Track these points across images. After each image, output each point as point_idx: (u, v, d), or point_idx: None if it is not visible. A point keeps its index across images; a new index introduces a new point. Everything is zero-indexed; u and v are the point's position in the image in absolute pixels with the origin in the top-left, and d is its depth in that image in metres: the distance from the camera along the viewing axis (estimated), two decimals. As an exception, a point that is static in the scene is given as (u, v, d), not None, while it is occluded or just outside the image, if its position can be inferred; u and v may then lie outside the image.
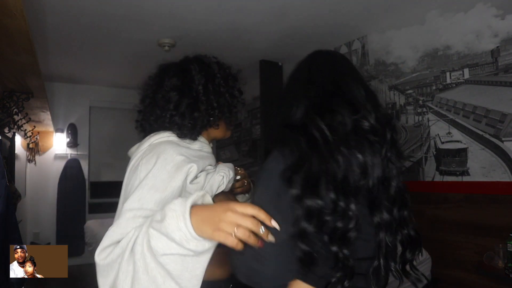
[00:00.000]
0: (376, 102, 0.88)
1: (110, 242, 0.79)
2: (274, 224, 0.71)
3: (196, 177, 0.94)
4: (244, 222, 0.70)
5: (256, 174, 0.89)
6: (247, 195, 1.24)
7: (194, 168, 0.92)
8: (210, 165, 1.00)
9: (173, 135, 1.00)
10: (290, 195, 0.74)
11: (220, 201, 0.89)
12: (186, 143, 1.01)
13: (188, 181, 0.91)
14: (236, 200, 1.12)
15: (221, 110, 1.03)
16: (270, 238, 0.72)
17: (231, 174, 1.03)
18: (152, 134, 1.02)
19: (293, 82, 0.96)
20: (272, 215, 0.72)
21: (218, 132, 1.09)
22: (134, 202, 0.84)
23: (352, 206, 0.75)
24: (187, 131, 1.00)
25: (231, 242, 0.69)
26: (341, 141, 0.77)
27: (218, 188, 0.99)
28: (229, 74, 1.09)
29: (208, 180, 0.96)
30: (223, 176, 0.99)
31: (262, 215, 0.71)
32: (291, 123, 0.84)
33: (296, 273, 0.76)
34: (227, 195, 1.09)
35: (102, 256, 0.77)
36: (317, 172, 0.75)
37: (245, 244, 0.71)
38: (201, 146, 1.04)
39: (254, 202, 0.79)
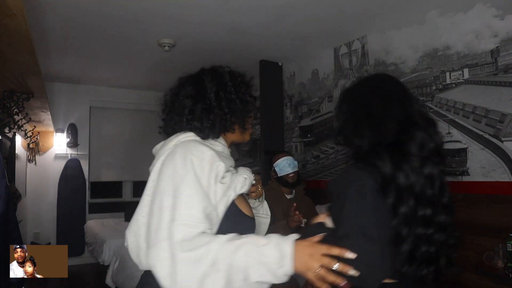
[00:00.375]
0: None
1: (183, 238, 0.86)
2: (349, 255, 0.86)
3: (222, 176, 1.00)
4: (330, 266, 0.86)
5: (332, 191, 1.02)
6: (258, 200, 1.31)
7: (222, 166, 0.99)
8: (231, 166, 1.08)
9: (197, 136, 1.08)
10: (387, 205, 0.92)
11: (239, 203, 1.06)
12: (209, 143, 1.08)
13: (218, 180, 0.98)
14: (247, 204, 1.17)
15: (233, 115, 1.11)
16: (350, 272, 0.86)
17: (251, 176, 1.11)
18: (177, 134, 1.09)
19: (368, 104, 1.06)
20: (373, 226, 0.90)
21: (235, 136, 1.17)
22: (188, 203, 0.91)
23: (428, 212, 0.95)
24: (208, 131, 1.08)
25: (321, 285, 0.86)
26: (428, 156, 0.97)
27: (240, 189, 1.04)
28: (241, 82, 1.18)
29: (232, 180, 1.02)
30: (245, 178, 1.07)
31: (339, 252, 0.87)
32: (381, 141, 0.98)
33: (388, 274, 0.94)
34: (243, 198, 1.15)
35: (186, 248, 0.85)
36: (404, 184, 0.94)
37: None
38: (223, 149, 1.12)
39: (353, 216, 0.93)
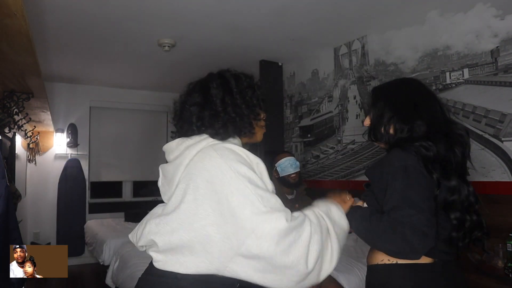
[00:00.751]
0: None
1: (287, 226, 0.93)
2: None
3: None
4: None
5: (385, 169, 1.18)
6: None
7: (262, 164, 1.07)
8: None
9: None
10: (429, 179, 1.12)
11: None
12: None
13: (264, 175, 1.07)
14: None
15: (241, 120, 1.13)
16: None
17: None
18: (196, 138, 1.09)
19: (413, 97, 1.29)
20: (420, 198, 1.08)
21: (246, 138, 1.20)
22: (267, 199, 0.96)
23: (470, 188, 1.24)
24: (223, 133, 1.10)
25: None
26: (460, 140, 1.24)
27: None
28: (247, 86, 1.18)
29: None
30: None
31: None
32: (433, 129, 1.20)
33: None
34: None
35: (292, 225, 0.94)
36: (454, 162, 1.19)
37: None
38: None
39: (400, 191, 1.10)
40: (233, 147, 1.03)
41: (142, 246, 1.10)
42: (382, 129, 1.28)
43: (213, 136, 1.08)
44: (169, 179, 1.06)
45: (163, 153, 1.16)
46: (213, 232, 0.94)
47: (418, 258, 1.11)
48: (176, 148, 1.09)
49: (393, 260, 1.17)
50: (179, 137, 1.14)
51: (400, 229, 1.05)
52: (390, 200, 1.11)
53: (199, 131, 1.10)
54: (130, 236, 1.17)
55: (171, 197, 1.04)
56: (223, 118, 1.10)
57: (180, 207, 0.99)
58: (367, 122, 1.35)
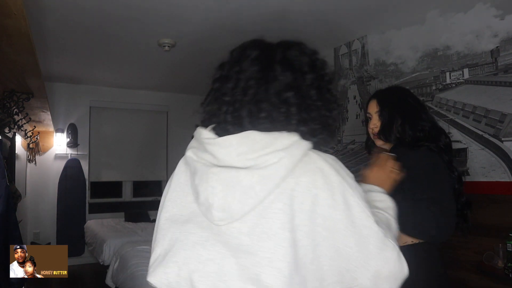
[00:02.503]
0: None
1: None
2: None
3: None
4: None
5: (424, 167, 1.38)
6: None
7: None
8: None
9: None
10: (451, 176, 1.45)
11: None
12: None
13: None
14: None
15: (333, 119, 0.87)
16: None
17: None
18: (293, 136, 0.76)
19: (415, 103, 1.52)
20: (447, 192, 1.38)
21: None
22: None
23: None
24: (320, 135, 0.83)
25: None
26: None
27: None
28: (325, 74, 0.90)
29: None
30: None
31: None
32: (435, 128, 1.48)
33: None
34: None
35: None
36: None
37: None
38: None
39: (443, 182, 1.38)
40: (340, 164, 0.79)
41: None
42: (394, 131, 1.46)
43: (308, 137, 0.78)
44: (243, 191, 0.73)
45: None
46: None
47: (443, 240, 1.39)
48: (256, 145, 0.75)
49: (416, 241, 1.35)
50: (225, 127, 0.81)
51: (434, 210, 1.27)
52: (419, 192, 1.31)
53: (297, 126, 0.78)
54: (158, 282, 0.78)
55: (244, 215, 0.73)
56: (321, 115, 0.81)
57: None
58: (376, 125, 1.51)
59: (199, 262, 0.74)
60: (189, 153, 0.84)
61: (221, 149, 0.76)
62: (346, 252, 0.73)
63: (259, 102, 0.79)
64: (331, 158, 0.78)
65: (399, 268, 0.77)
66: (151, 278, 0.77)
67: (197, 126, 0.88)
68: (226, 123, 0.81)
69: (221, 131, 0.81)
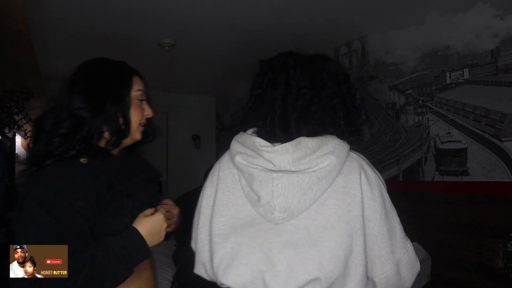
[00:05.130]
0: None
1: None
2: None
3: None
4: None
5: None
6: None
7: None
8: None
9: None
10: None
11: None
12: None
13: None
14: None
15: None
16: None
17: None
18: (335, 140, 0.89)
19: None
20: None
21: None
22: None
23: None
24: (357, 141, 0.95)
25: None
26: None
27: None
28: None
29: None
30: None
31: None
32: None
33: None
34: None
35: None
36: None
37: None
38: None
39: None
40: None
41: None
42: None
43: (347, 138, 0.90)
44: (302, 193, 0.83)
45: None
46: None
47: None
48: (289, 153, 0.85)
49: None
50: (271, 130, 0.90)
51: None
52: None
53: (327, 131, 0.89)
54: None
55: (301, 213, 0.84)
56: (356, 118, 0.93)
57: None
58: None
59: (269, 263, 0.83)
60: (238, 158, 0.91)
61: (279, 156, 0.85)
62: (380, 240, 0.85)
63: (311, 106, 0.89)
64: (364, 157, 0.91)
65: (414, 258, 0.90)
66: (225, 280, 0.86)
67: (236, 131, 1.00)
68: (274, 127, 0.89)
69: (267, 135, 0.90)
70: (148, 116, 1.18)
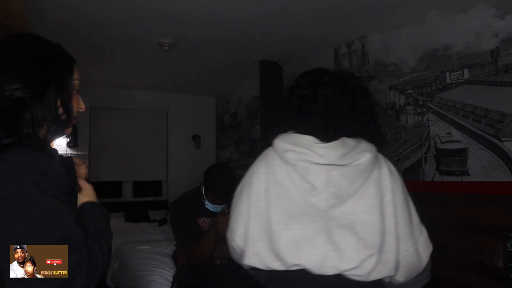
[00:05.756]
0: None
1: None
2: None
3: None
4: None
5: None
6: None
7: None
8: None
9: None
10: None
11: None
12: None
13: None
14: None
15: None
16: None
17: None
18: (364, 142, 1.09)
19: None
20: None
21: None
22: None
23: None
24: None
25: None
26: None
27: None
28: None
29: None
30: None
31: None
32: None
33: None
34: None
35: None
36: None
37: None
38: None
39: None
40: None
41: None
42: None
43: (374, 141, 1.10)
44: (349, 183, 1.01)
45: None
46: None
47: None
48: (338, 149, 1.03)
49: None
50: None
51: None
52: None
53: (359, 136, 1.09)
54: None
55: (347, 200, 1.02)
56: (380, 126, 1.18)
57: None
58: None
59: (332, 243, 0.98)
60: (289, 155, 1.05)
61: (331, 151, 1.03)
62: (403, 222, 1.04)
63: (349, 118, 1.08)
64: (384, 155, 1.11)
65: (428, 240, 1.12)
66: (298, 261, 1.00)
67: (272, 135, 1.15)
68: (318, 132, 1.07)
69: (316, 135, 1.07)
70: (81, 110, 1.04)
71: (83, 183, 1.03)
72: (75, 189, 0.96)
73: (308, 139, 1.06)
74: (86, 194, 1.00)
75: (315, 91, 1.11)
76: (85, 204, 0.96)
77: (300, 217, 1.01)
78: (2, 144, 0.79)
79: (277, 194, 1.04)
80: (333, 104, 1.09)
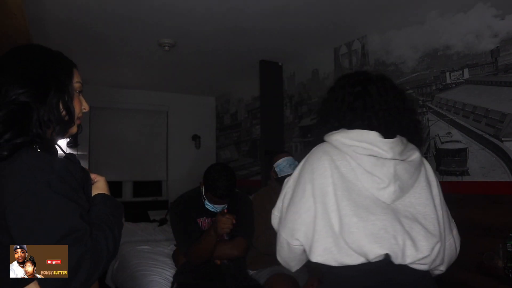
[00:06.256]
0: None
1: None
2: None
3: None
4: None
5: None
6: None
7: None
8: None
9: None
10: None
11: None
12: None
13: None
14: None
15: None
16: None
17: None
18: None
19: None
20: None
21: None
22: None
23: None
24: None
25: None
26: None
27: None
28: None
29: None
30: None
31: None
32: None
33: None
34: None
35: None
36: None
37: None
38: None
39: None
40: None
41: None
42: None
43: (416, 144, 1.20)
44: (409, 176, 1.10)
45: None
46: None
47: None
48: (399, 145, 1.12)
49: None
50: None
51: None
52: None
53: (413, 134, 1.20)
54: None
55: (406, 193, 1.09)
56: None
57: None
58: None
59: (405, 233, 1.01)
60: (354, 150, 1.09)
61: (395, 147, 1.10)
62: (445, 213, 1.15)
63: (400, 115, 1.17)
64: None
65: (458, 233, 1.20)
66: (381, 251, 1.00)
67: (321, 132, 1.23)
68: (380, 128, 1.13)
69: (378, 130, 1.13)
70: (85, 110, 1.17)
71: (95, 176, 1.17)
72: (88, 183, 1.09)
73: (373, 134, 1.10)
74: (98, 187, 1.14)
75: (365, 87, 1.17)
76: (97, 196, 1.08)
77: (372, 209, 1.04)
78: (16, 143, 0.87)
79: (345, 188, 1.06)
80: (388, 98, 1.16)
